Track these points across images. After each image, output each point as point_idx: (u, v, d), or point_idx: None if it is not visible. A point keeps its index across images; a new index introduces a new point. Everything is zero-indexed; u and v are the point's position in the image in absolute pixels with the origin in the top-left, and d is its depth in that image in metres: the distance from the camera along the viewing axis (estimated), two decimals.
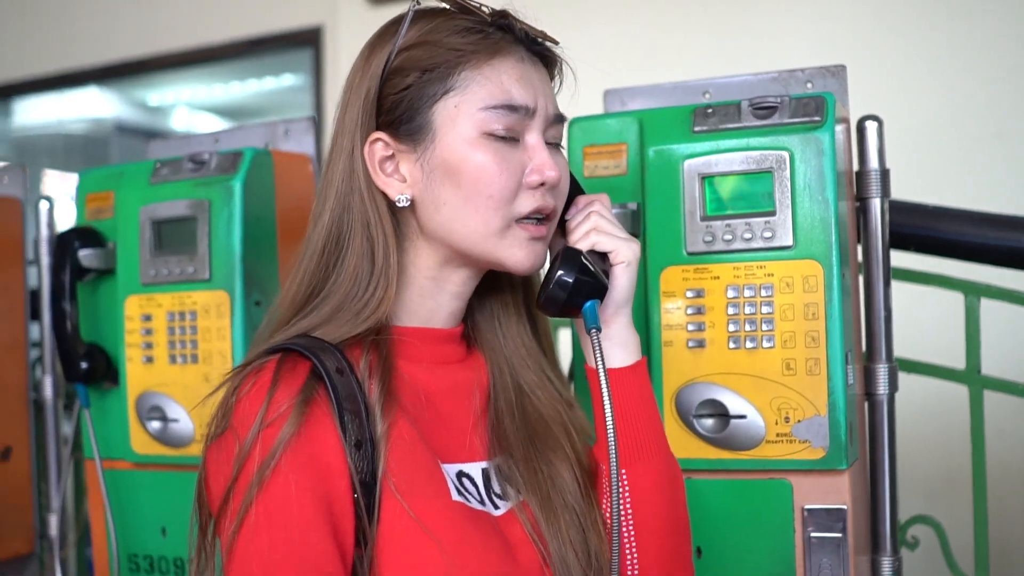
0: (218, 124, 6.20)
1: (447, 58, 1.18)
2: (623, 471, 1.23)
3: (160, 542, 1.88)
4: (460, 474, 1.20)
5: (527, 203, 1.19)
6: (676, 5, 3.74)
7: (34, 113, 5.86)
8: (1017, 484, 2.79)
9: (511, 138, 1.19)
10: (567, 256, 1.22)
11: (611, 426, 1.16)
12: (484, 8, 1.21)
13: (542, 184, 1.19)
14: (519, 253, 1.20)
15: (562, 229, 1.29)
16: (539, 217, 1.21)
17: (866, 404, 1.65)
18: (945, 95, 3.31)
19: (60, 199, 2.31)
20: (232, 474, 1.10)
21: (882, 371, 1.64)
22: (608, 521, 1.23)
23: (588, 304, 1.22)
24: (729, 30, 3.65)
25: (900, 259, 1.94)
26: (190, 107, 6.16)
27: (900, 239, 1.92)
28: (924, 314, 2.35)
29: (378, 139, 1.21)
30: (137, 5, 4.90)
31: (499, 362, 1.31)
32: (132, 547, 1.91)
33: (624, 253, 1.25)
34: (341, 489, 1.10)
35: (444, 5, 1.22)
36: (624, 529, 1.23)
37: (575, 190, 1.31)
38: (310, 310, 1.21)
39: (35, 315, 2.29)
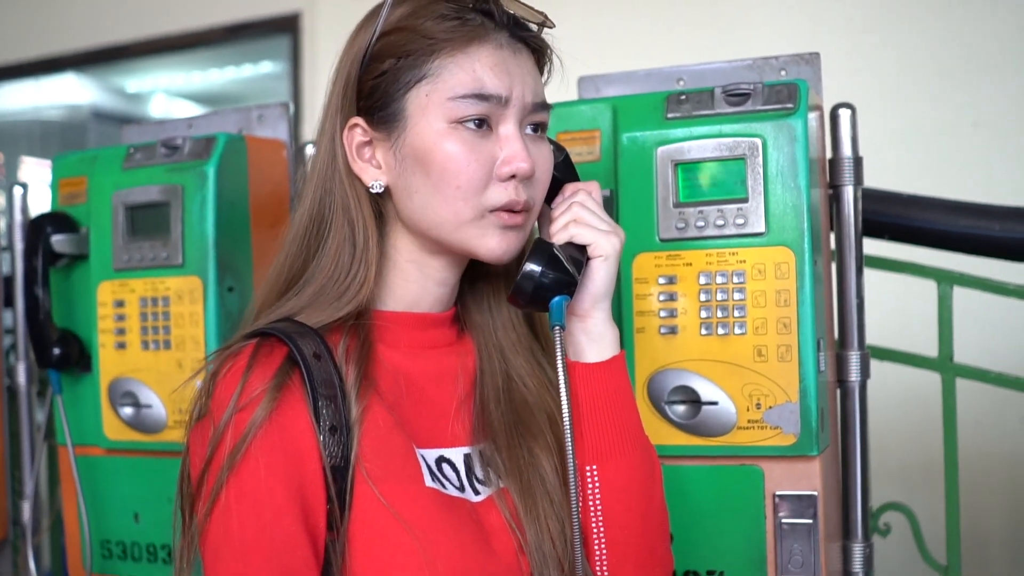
0: (196, 111, 6.16)
1: (421, 45, 1.16)
2: (593, 467, 1.22)
3: (133, 528, 1.88)
4: (440, 459, 1.20)
5: (499, 195, 1.17)
6: None
7: (11, 99, 5.82)
8: (991, 472, 2.81)
9: (484, 128, 1.17)
10: (537, 248, 1.20)
11: (568, 424, 1.14)
12: None
13: (513, 176, 1.17)
14: (491, 242, 1.18)
15: (548, 217, 1.27)
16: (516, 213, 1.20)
17: (838, 391, 1.66)
18: (920, 84, 3.32)
19: (37, 185, 2.29)
20: (207, 456, 1.10)
21: (854, 358, 1.64)
22: (584, 513, 1.22)
23: (556, 300, 1.18)
24: (703, 18, 3.65)
25: (874, 247, 1.95)
26: (168, 94, 6.13)
27: (874, 227, 1.93)
28: (897, 302, 2.36)
29: (356, 124, 1.20)
30: None
31: (488, 347, 1.30)
32: (105, 533, 1.91)
33: (603, 246, 1.21)
34: (312, 473, 1.10)
35: None
36: (593, 524, 1.22)
37: (569, 176, 1.28)
38: (292, 293, 1.20)
39: (8, 302, 2.28)
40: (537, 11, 1.21)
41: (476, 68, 1.16)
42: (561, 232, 1.22)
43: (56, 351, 1.89)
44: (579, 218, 1.22)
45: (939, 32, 3.31)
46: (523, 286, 1.18)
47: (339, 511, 1.11)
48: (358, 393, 1.14)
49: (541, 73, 1.24)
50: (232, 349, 1.15)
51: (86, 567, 1.91)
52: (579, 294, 1.22)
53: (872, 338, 1.78)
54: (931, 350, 1.95)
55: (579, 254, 1.21)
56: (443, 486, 1.17)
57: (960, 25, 3.29)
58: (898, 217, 1.95)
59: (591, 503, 1.22)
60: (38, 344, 1.90)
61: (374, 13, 1.21)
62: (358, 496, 1.11)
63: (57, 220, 1.90)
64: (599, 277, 1.22)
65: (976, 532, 2.76)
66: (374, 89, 1.19)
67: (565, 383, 1.15)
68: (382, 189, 1.20)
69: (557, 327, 1.17)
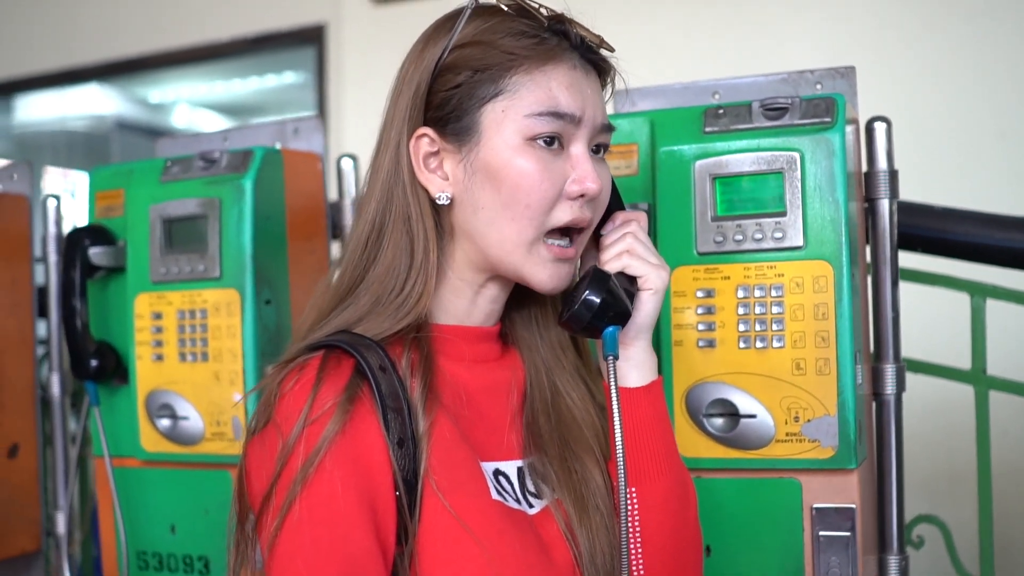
0: (219, 122, 6.21)
1: (500, 60, 1.17)
2: (633, 489, 1.23)
3: (169, 539, 1.89)
4: (497, 472, 1.21)
5: (564, 214, 1.18)
6: (682, 4, 3.74)
7: (36, 110, 5.87)
8: (1022, 484, 2.80)
9: (556, 146, 1.18)
10: (597, 277, 1.21)
11: (620, 447, 1.15)
12: (543, 10, 1.20)
13: (581, 195, 1.18)
14: (543, 273, 1.20)
15: (595, 241, 1.28)
16: (568, 238, 1.21)
17: (874, 404, 1.66)
18: (949, 96, 3.32)
19: (62, 196, 2.31)
20: (275, 470, 1.10)
21: (890, 371, 1.65)
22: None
23: (609, 330, 1.20)
24: (738, 31, 3.66)
25: (907, 260, 1.95)
26: (191, 104, 6.18)
27: (907, 240, 1.93)
28: (930, 315, 2.36)
29: (424, 134, 1.20)
30: (139, 2, 4.90)
31: (535, 361, 1.31)
32: (141, 544, 1.92)
33: (653, 280, 1.24)
34: (384, 486, 1.11)
35: (503, 5, 1.20)
36: (632, 545, 1.23)
37: (615, 203, 1.30)
38: (350, 302, 1.21)
39: (42, 312, 2.30)
40: (595, 34, 1.23)
41: (552, 87, 1.17)
42: (614, 261, 1.24)
43: (93, 363, 1.90)
44: (632, 249, 1.24)
45: (967, 44, 3.31)
46: (580, 314, 1.19)
47: (408, 524, 1.11)
48: (424, 406, 1.15)
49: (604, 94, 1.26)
50: (298, 361, 1.16)
51: None
52: (626, 324, 1.23)
53: (906, 350, 1.78)
54: (964, 362, 1.95)
55: (629, 285, 1.24)
56: (504, 499, 1.18)
57: (987, 36, 3.29)
58: (931, 230, 1.96)
59: (630, 523, 1.22)
60: (75, 356, 1.91)
61: (443, 25, 1.22)
62: (426, 509, 1.12)
63: (94, 233, 1.91)
64: (647, 309, 1.24)
65: (1004, 542, 2.75)
66: (446, 101, 1.19)
67: (619, 412, 1.16)
68: (448, 200, 1.20)
69: (611, 357, 1.18)
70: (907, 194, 1.90)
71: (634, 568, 1.23)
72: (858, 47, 3.41)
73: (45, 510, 2.31)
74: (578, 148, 1.19)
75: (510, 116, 1.17)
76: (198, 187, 1.81)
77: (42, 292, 2.29)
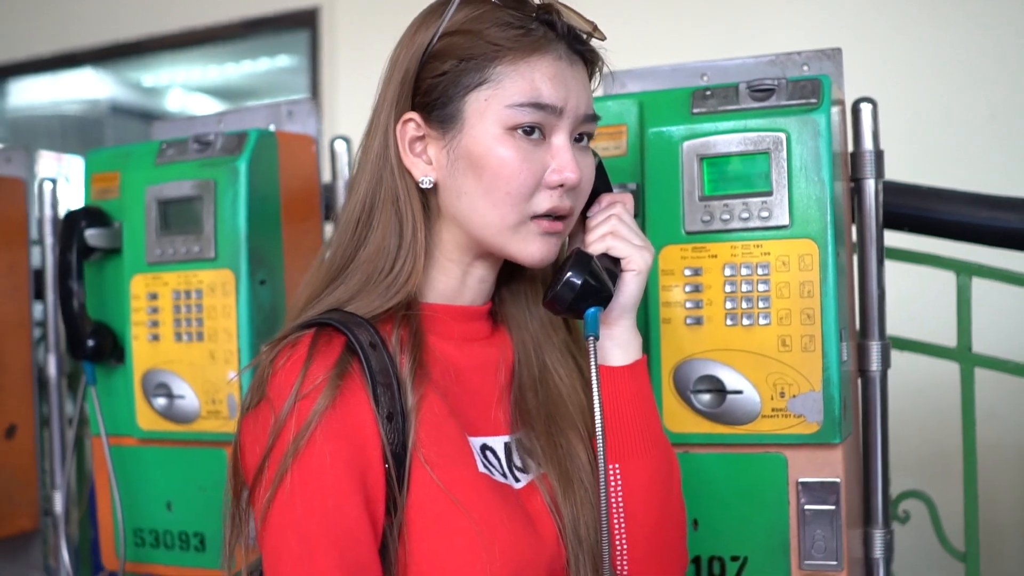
0: (213, 105, 6.21)
1: (485, 51, 1.19)
2: (616, 465, 1.26)
3: (166, 516, 1.92)
4: (484, 447, 1.24)
5: (544, 202, 1.21)
6: None
7: (30, 94, 5.87)
8: (1007, 461, 2.84)
9: (537, 136, 1.20)
10: (579, 259, 1.24)
11: (600, 426, 1.18)
12: None
13: (561, 185, 1.21)
14: (531, 247, 1.22)
15: (582, 223, 1.31)
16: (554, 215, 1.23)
17: (859, 380, 1.69)
18: (938, 78, 3.34)
19: (57, 179, 2.33)
20: (268, 444, 1.13)
21: (875, 348, 1.67)
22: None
23: (591, 311, 1.23)
24: (726, 14, 3.67)
25: (894, 239, 1.97)
26: (185, 88, 6.17)
27: (895, 219, 1.95)
28: (917, 293, 2.39)
29: (411, 119, 1.23)
30: None
31: (524, 339, 1.33)
32: (138, 522, 1.95)
33: (636, 261, 1.26)
34: (373, 459, 1.14)
35: None
36: (615, 519, 1.26)
37: (603, 185, 1.32)
38: (341, 281, 1.24)
39: (39, 294, 2.32)
40: (588, 20, 1.24)
41: (535, 78, 1.19)
42: (598, 243, 1.27)
43: (90, 343, 1.92)
44: (616, 231, 1.27)
45: (956, 25, 3.33)
46: (562, 295, 1.22)
47: (398, 496, 1.14)
48: (413, 381, 1.18)
49: (591, 83, 1.28)
50: (290, 339, 1.18)
51: (119, 555, 1.94)
52: (609, 303, 1.26)
53: (892, 328, 1.80)
54: (950, 340, 1.97)
55: (613, 266, 1.27)
56: (491, 473, 1.21)
57: (977, 18, 3.31)
58: (917, 209, 1.98)
59: (613, 499, 1.26)
60: (73, 336, 1.93)
61: (435, 11, 1.23)
62: (415, 481, 1.15)
63: (91, 215, 1.93)
64: (630, 290, 1.27)
65: (992, 520, 2.78)
66: (432, 88, 1.21)
67: (598, 390, 1.19)
68: (431, 185, 1.23)
69: (592, 337, 1.21)
70: (896, 175, 1.93)
71: (617, 542, 1.26)
72: (848, 28, 3.43)
73: (43, 490, 2.34)
74: (559, 138, 1.21)
75: (492, 105, 1.19)
76: (193, 169, 1.83)
77: (38, 275, 2.31)
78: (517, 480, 1.24)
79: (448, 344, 1.25)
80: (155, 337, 1.86)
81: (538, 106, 1.18)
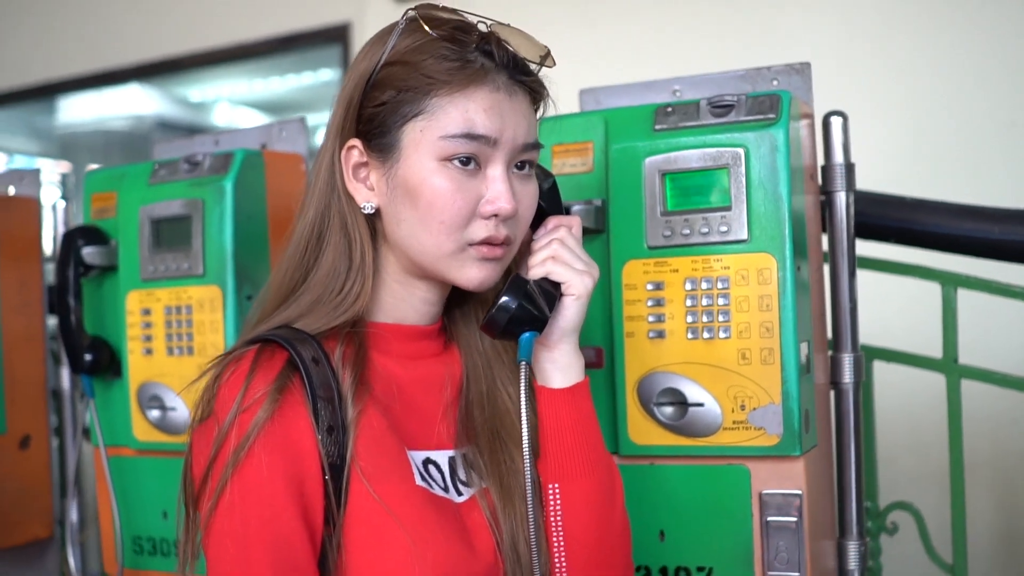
0: (259, 119, 6.31)
1: (420, 83, 1.21)
2: (555, 485, 1.28)
3: (162, 524, 1.97)
4: (427, 461, 1.27)
5: (479, 231, 1.23)
6: (653, 4, 3.78)
7: (77, 110, 6.00)
8: (996, 472, 2.81)
9: (472, 167, 1.22)
10: (514, 284, 1.26)
11: (527, 451, 1.20)
12: (481, 25, 1.23)
13: (495, 215, 1.23)
14: (469, 272, 1.24)
15: (531, 245, 1.33)
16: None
17: (832, 393, 1.69)
18: (909, 93, 3.33)
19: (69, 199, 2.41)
20: (211, 455, 1.17)
21: (847, 360, 1.68)
22: (547, 526, 1.29)
23: (525, 335, 1.25)
24: (704, 28, 3.68)
25: (879, 250, 1.98)
26: (231, 103, 6.28)
27: (879, 231, 1.96)
28: (902, 304, 2.38)
29: (354, 146, 1.26)
30: (176, 4, 5.01)
31: (475, 357, 1.36)
32: (136, 530, 2.01)
33: (576, 286, 1.28)
34: (311, 471, 1.17)
35: (430, 31, 1.22)
36: (555, 538, 1.28)
37: (553, 207, 1.34)
38: (292, 301, 1.27)
39: (52, 309, 2.39)
40: (540, 44, 1.26)
41: (469, 109, 1.20)
42: (539, 267, 1.29)
43: (88, 357, 1.99)
44: (557, 255, 1.29)
45: (928, 41, 3.34)
46: (497, 318, 1.25)
47: (336, 507, 1.17)
48: (354, 396, 1.21)
49: (536, 111, 1.29)
50: (235, 354, 1.22)
51: (119, 562, 2.00)
52: (549, 327, 1.29)
53: (877, 340, 1.81)
54: (936, 351, 1.97)
55: (553, 289, 1.28)
56: (430, 486, 1.24)
57: (948, 35, 3.31)
58: (901, 221, 1.98)
59: (552, 519, 1.28)
60: (71, 350, 2.00)
61: (380, 39, 1.26)
62: (353, 494, 1.18)
63: (88, 233, 2.00)
64: (570, 314, 1.29)
65: (979, 531, 2.76)
66: (373, 116, 1.24)
67: (527, 413, 1.22)
68: (373, 210, 1.26)
69: (524, 362, 1.23)
70: (878, 185, 1.94)
71: (556, 561, 1.28)
72: (822, 45, 3.43)
73: (61, 500, 2.41)
74: (495, 169, 1.23)
75: (427, 136, 1.21)
76: (183, 189, 1.88)
77: (52, 290, 2.38)
78: (460, 494, 1.27)
79: (391, 361, 1.28)
80: (149, 351, 1.92)
81: (471, 137, 1.20)
